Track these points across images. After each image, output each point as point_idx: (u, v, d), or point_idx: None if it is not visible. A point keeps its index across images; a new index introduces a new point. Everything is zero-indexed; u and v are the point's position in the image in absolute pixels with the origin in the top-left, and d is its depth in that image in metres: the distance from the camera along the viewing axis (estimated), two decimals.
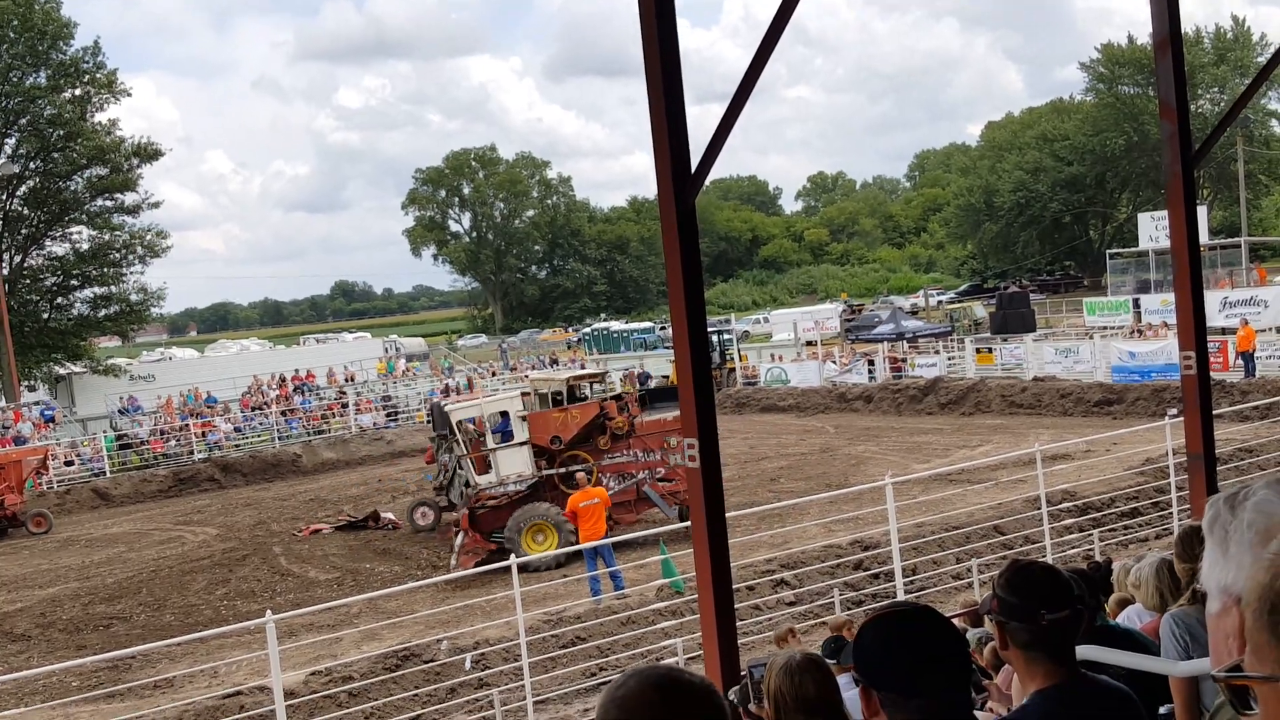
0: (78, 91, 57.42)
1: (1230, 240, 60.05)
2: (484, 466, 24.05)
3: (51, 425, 47.56)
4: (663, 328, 74.20)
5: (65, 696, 16.86)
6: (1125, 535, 18.77)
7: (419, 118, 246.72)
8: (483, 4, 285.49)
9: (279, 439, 45.71)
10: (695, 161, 7.68)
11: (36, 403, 52.43)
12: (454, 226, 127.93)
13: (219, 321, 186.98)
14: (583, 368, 52.05)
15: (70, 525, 35.34)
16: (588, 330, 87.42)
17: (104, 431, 46.21)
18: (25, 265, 58.84)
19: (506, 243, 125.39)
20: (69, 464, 42.36)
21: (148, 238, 59.87)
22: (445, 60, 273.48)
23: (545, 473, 23.99)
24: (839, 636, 7.41)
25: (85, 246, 59.40)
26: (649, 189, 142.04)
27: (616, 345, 73.44)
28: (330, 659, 16.43)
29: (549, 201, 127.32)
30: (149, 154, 59.02)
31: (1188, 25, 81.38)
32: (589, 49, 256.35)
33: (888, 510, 16.13)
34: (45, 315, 58.94)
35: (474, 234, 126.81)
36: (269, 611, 12.96)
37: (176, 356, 79.65)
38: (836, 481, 27.49)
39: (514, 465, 23.84)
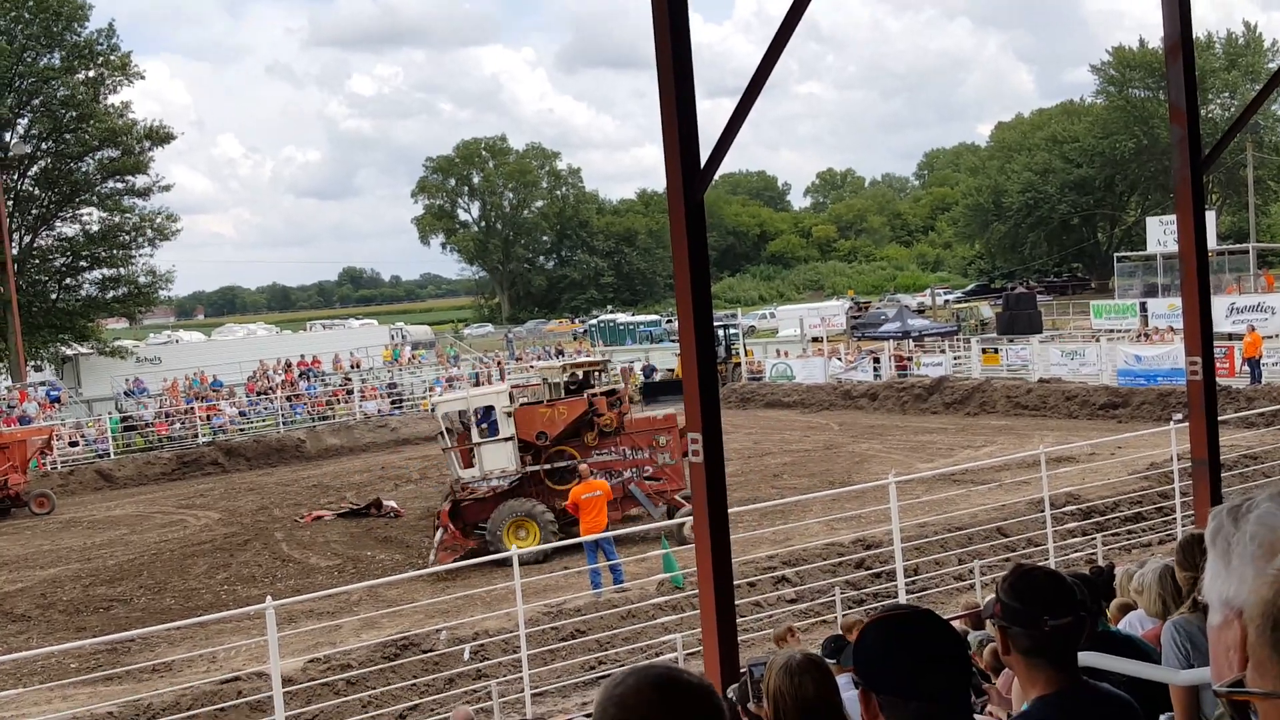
0: (91, 73, 57.54)
1: (1238, 246, 59.98)
2: (469, 460, 23.96)
3: (57, 406, 47.66)
4: (669, 321, 74.24)
5: (64, 678, 16.88)
6: (1128, 540, 18.73)
7: (431, 106, 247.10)
8: None
9: (283, 424, 45.75)
10: (705, 156, 7.67)
11: (42, 383, 52.59)
12: (463, 215, 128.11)
13: (226, 305, 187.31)
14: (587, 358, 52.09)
15: (73, 506, 35.38)
16: (594, 322, 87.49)
17: (109, 413, 46.27)
18: (35, 245, 58.96)
19: (515, 233, 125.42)
20: (73, 445, 42.41)
21: (158, 220, 60.00)
22: (458, 49, 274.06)
23: (530, 469, 23.80)
24: (839, 636, 7.40)
25: (95, 228, 59.51)
26: (658, 182, 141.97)
27: (622, 337, 73.50)
28: (329, 646, 16.45)
29: (558, 192, 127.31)
30: (161, 137, 59.13)
31: (1199, 30, 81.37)
32: (601, 41, 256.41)
33: (891, 509, 16.10)
34: (53, 296, 59.01)
35: (483, 223, 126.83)
36: (269, 597, 12.96)
37: (183, 339, 79.83)
38: (840, 479, 27.46)
39: (498, 460, 23.70)
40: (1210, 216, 53.49)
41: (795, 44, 8.05)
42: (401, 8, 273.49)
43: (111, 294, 60.17)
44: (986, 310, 62.08)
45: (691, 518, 20.81)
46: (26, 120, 57.46)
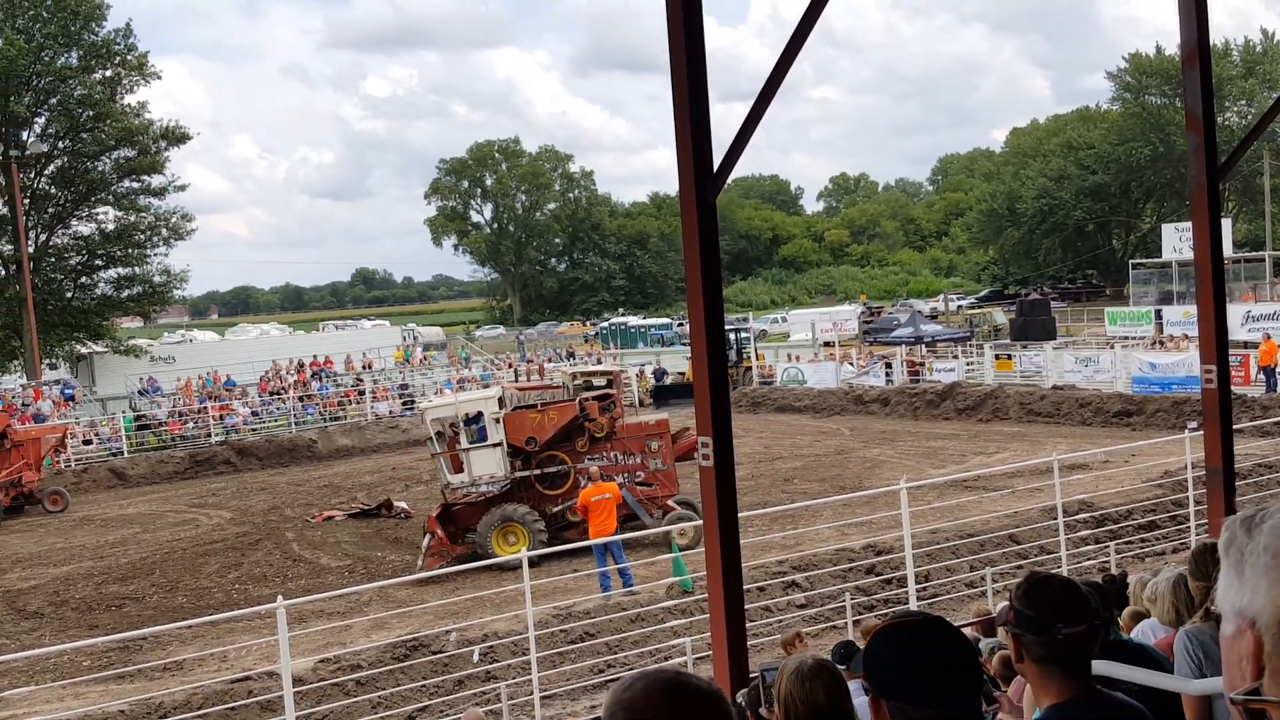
0: (108, 73, 57.85)
1: (1254, 254, 59.81)
2: (459, 466, 23.91)
3: (71, 404, 47.84)
4: (680, 324, 74.20)
5: (76, 676, 16.93)
6: (1142, 548, 18.66)
7: (444, 108, 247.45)
8: None
9: (295, 424, 45.85)
10: (718, 159, 7.66)
11: (57, 381, 52.80)
12: (475, 217, 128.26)
13: (240, 305, 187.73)
14: (599, 362, 52.11)
15: (86, 504, 35.50)
16: (605, 324, 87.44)
17: (123, 412, 46.44)
18: (51, 244, 59.20)
19: (527, 235, 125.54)
20: (87, 443, 42.57)
21: (173, 220, 60.30)
22: (472, 52, 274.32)
23: (518, 474, 23.71)
24: (849, 642, 7.38)
25: (111, 227, 59.81)
26: (670, 185, 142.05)
27: (634, 340, 73.47)
28: (339, 646, 16.46)
29: (570, 195, 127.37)
30: (177, 137, 59.39)
31: (1216, 37, 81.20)
32: (615, 44, 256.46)
33: (902, 515, 16.06)
34: (69, 294, 59.32)
35: (495, 225, 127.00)
36: (280, 597, 12.97)
37: (197, 339, 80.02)
38: (851, 484, 27.43)
39: (487, 466, 23.63)
40: (1226, 224, 53.34)
41: (809, 48, 8.04)
42: (416, 10, 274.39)
43: (126, 293, 60.45)
44: (1000, 316, 61.94)
45: (680, 524, 20.96)
46: (44, 119, 57.78)
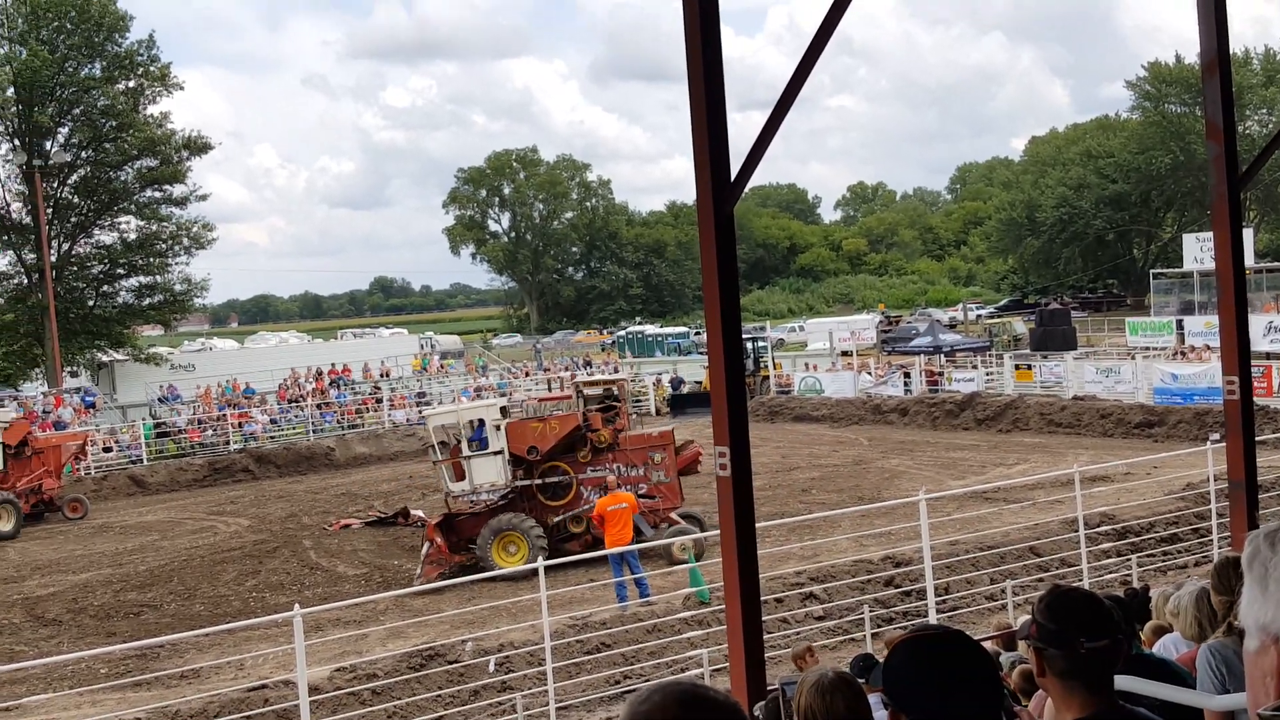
0: (131, 83, 58.20)
1: (1276, 264, 59.50)
2: (462, 473, 23.90)
3: (92, 411, 48.07)
4: (697, 333, 74.16)
5: (94, 683, 16.97)
6: (1164, 561, 18.54)
7: (463, 118, 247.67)
8: (529, 7, 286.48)
9: (313, 432, 45.94)
10: (735, 169, 7.64)
11: (78, 389, 53.01)
12: (493, 226, 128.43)
13: (260, 313, 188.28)
14: (615, 370, 52.15)
15: (106, 511, 35.61)
16: (622, 333, 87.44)
17: (143, 419, 46.63)
18: (73, 253, 59.52)
19: (544, 243, 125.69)
20: (107, 450, 42.76)
21: (194, 229, 60.63)
22: (491, 62, 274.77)
23: (519, 483, 23.65)
24: (869, 655, 7.33)
25: (133, 236, 60.13)
26: (688, 194, 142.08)
27: (651, 349, 73.45)
28: (355, 656, 16.45)
29: (588, 204, 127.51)
30: (198, 147, 59.66)
31: (1236, 46, 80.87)
32: (633, 54, 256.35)
33: (921, 527, 15.99)
34: (90, 303, 59.64)
35: (513, 234, 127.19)
36: (297, 605, 12.97)
37: (217, 347, 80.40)
38: (869, 495, 27.33)
39: (487, 474, 23.62)
40: (1248, 234, 53.02)
41: (827, 57, 8.00)
42: (436, 21, 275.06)
43: (147, 301, 60.78)
44: (1019, 326, 61.79)
45: (680, 539, 20.92)
46: (67, 129, 58.15)
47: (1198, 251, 52.49)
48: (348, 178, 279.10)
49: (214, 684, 16.18)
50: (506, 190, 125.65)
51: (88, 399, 50.15)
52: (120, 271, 60.34)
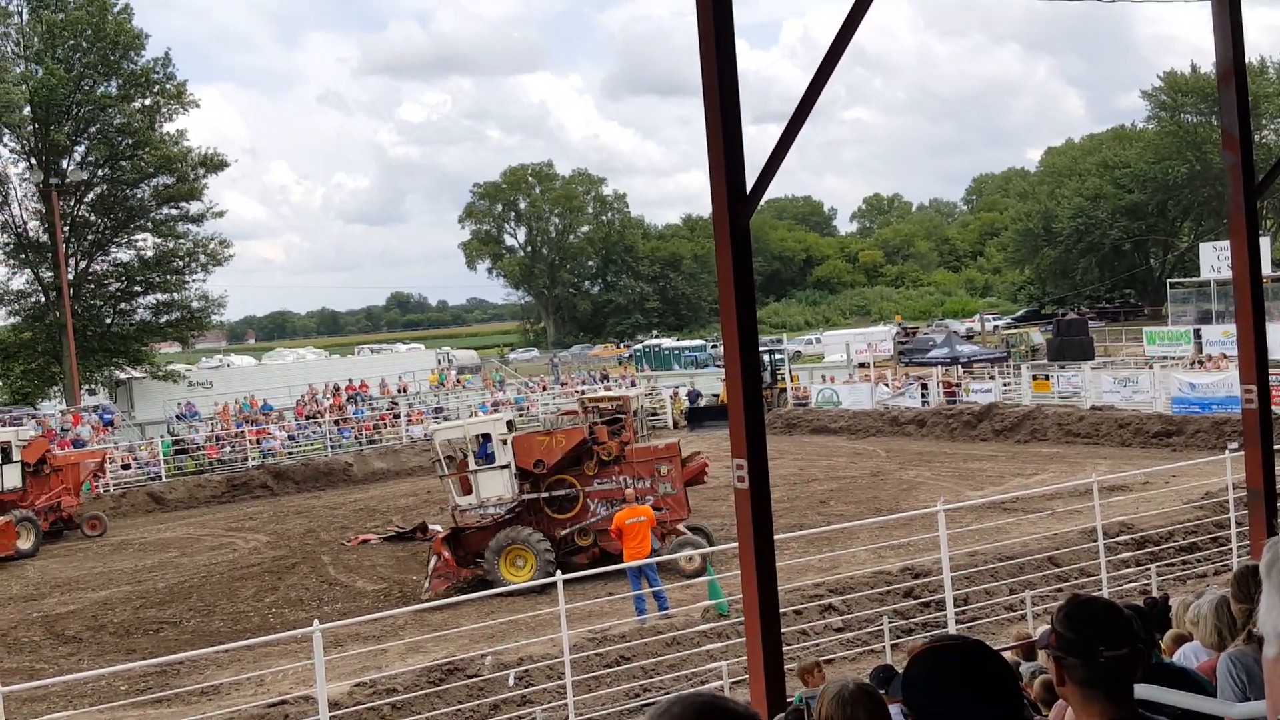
0: (147, 101, 58.47)
1: None
2: (469, 487, 23.94)
3: (110, 429, 48.19)
4: (714, 346, 74.15)
5: (114, 700, 17.01)
6: (1183, 570, 18.47)
7: (478, 133, 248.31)
8: (544, 22, 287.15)
9: (331, 448, 46.04)
10: (751, 181, 7.65)
11: (96, 406, 53.19)
12: (509, 241, 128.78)
13: (277, 330, 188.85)
14: (633, 384, 52.17)
15: (125, 528, 35.69)
16: (639, 346, 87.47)
17: (161, 436, 46.78)
18: (90, 270, 59.73)
19: (560, 258, 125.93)
20: (126, 467, 42.87)
21: (211, 246, 60.77)
22: (506, 77, 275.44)
23: (526, 497, 23.66)
24: (888, 666, 7.33)
25: (149, 253, 60.32)
26: (704, 207, 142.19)
27: (668, 362, 73.43)
28: (375, 671, 16.46)
29: (604, 218, 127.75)
30: (215, 164, 59.84)
31: (1252, 55, 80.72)
32: (647, 68, 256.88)
33: (940, 537, 15.96)
34: (108, 320, 59.86)
35: (529, 248, 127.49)
36: (316, 621, 13.00)
37: (234, 364, 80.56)
38: (887, 506, 27.28)
39: (494, 488, 23.66)
40: (1265, 242, 52.93)
41: (842, 69, 8.02)
42: (451, 36, 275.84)
43: (165, 318, 60.95)
44: (1037, 336, 61.62)
45: (685, 552, 20.90)
46: (84, 147, 58.39)
47: (1215, 260, 52.40)
48: (363, 193, 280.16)
49: (234, 700, 16.21)
50: (522, 205, 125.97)
51: (106, 417, 50.30)
52: (137, 289, 60.55)
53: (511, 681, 15.13)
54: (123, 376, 59.74)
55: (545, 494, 23.72)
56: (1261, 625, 3.25)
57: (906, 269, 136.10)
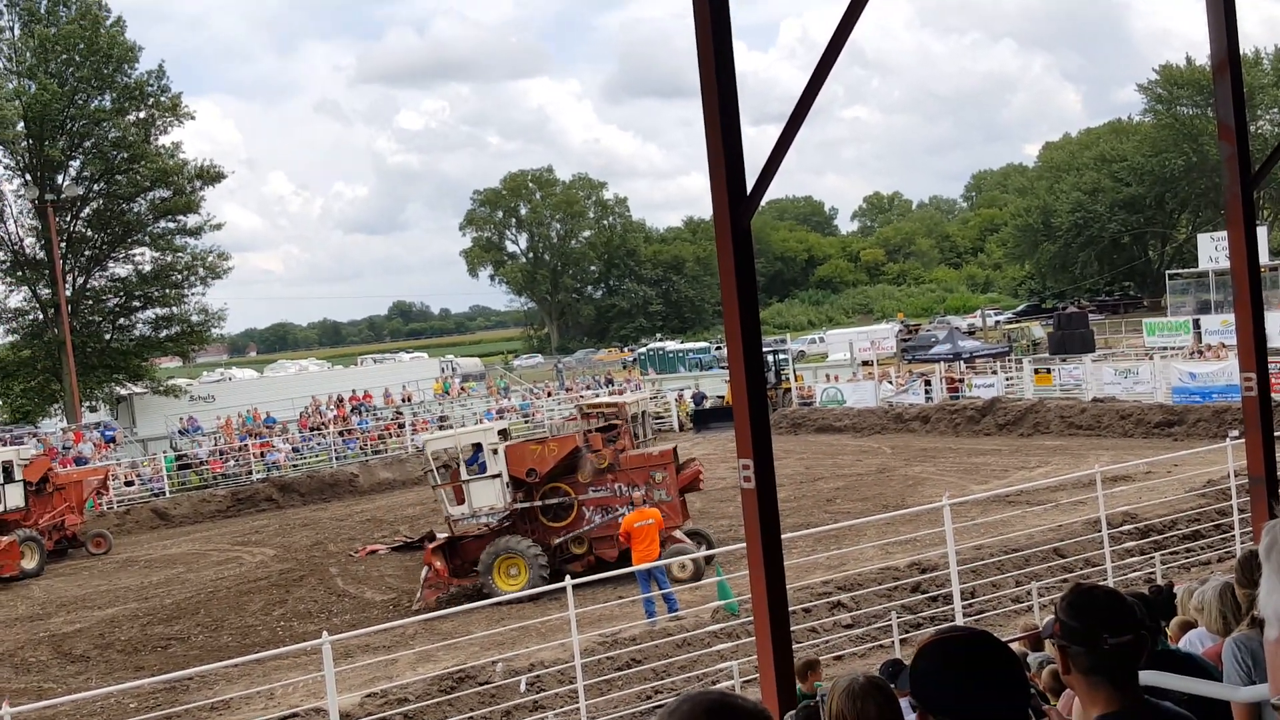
0: (142, 114, 58.27)
1: None
2: (462, 497, 23.99)
3: (112, 445, 48.14)
4: (718, 348, 74.17)
5: (123, 718, 17.03)
6: (1187, 558, 18.51)
7: (478, 139, 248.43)
8: (542, 27, 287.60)
9: (336, 459, 46.03)
10: (751, 182, 7.67)
11: (97, 424, 53.16)
12: (511, 247, 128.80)
13: (278, 342, 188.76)
14: (638, 388, 52.15)
15: (130, 545, 35.68)
16: (643, 350, 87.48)
17: (164, 452, 46.71)
18: (88, 286, 59.65)
19: (563, 263, 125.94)
20: (129, 484, 42.83)
21: (209, 259, 60.59)
22: (505, 82, 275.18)
23: (519, 505, 23.68)
24: (897, 660, 7.35)
25: (147, 268, 60.13)
26: (705, 209, 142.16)
27: (672, 365, 73.46)
28: (386, 680, 16.49)
29: (605, 222, 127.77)
30: (211, 176, 59.70)
31: (1247, 46, 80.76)
32: (646, 71, 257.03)
33: (946, 532, 15.99)
34: (107, 336, 59.71)
35: (530, 254, 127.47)
36: (325, 633, 13.02)
37: (236, 377, 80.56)
38: (893, 503, 27.31)
39: (486, 498, 23.70)
40: (1262, 232, 52.95)
41: (840, 69, 8.03)
42: (448, 42, 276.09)
43: (165, 333, 60.79)
44: (1038, 330, 61.59)
45: (678, 559, 20.91)
46: (79, 162, 58.24)
47: (1212, 251, 52.49)
48: (363, 202, 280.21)
49: (245, 715, 16.24)
50: (523, 211, 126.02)
51: (108, 433, 50.26)
52: (136, 304, 60.40)
53: (523, 688, 15.16)
54: (123, 393, 59.65)
55: (539, 503, 23.76)
56: (1262, 608, 3.29)
57: (908, 267, 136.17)
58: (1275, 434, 11.00)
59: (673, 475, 23.77)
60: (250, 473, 44.25)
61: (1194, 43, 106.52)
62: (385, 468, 44.28)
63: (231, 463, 45.15)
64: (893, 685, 4.37)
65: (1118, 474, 24.18)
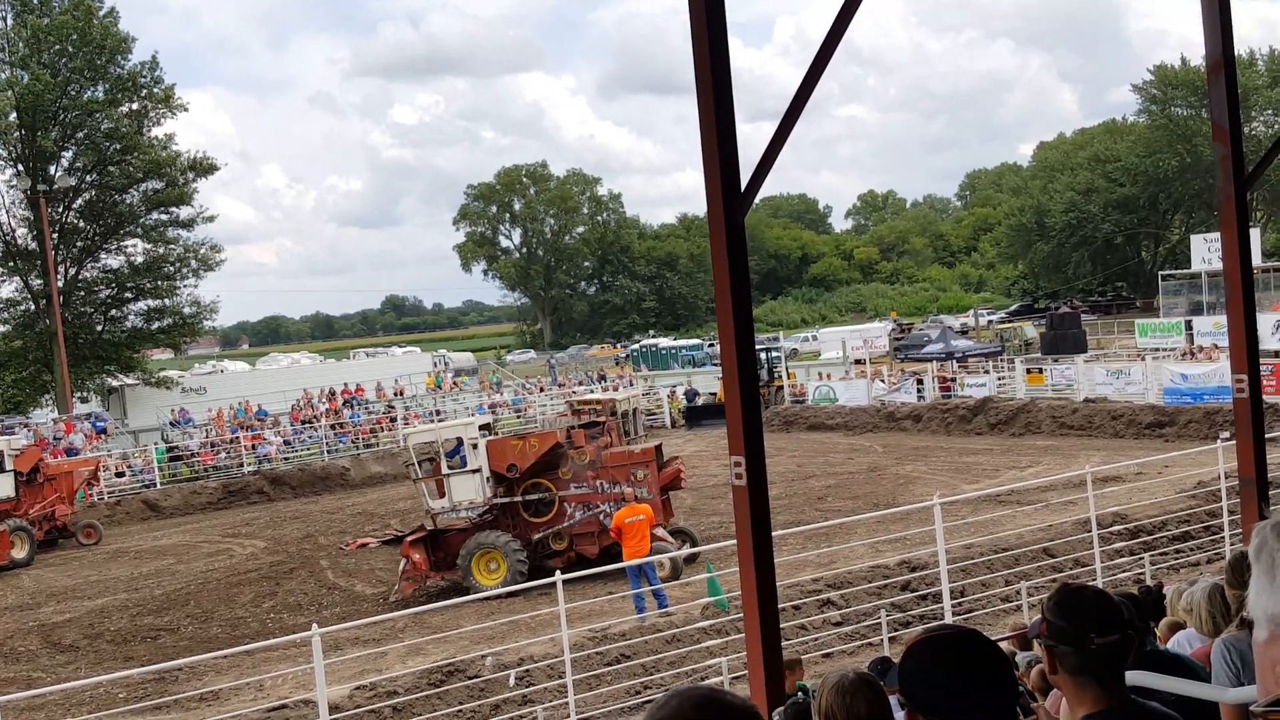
0: (134, 106, 58.07)
1: None
2: (443, 491, 24.04)
3: (103, 437, 48.08)
4: (711, 344, 74.15)
5: (112, 708, 17.00)
6: (1177, 559, 18.54)
7: (472, 134, 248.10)
8: (538, 22, 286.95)
9: (328, 452, 46.01)
10: (745, 179, 7.67)
11: (89, 414, 53.07)
12: (504, 242, 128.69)
13: (270, 335, 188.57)
14: (630, 384, 52.18)
15: (120, 536, 35.66)
16: (636, 346, 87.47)
17: (155, 443, 46.66)
18: (80, 278, 59.48)
19: (556, 259, 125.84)
20: (120, 475, 42.79)
21: (201, 251, 60.41)
22: (500, 77, 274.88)
23: (498, 500, 23.74)
24: (885, 659, 7.36)
25: (140, 259, 59.97)
26: (699, 206, 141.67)
27: (665, 362, 73.45)
28: (375, 673, 16.47)
29: (599, 218, 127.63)
30: (204, 168, 59.58)
31: (1241, 47, 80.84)
32: (642, 67, 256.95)
33: (936, 531, 16.01)
34: (99, 327, 59.59)
35: (524, 250, 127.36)
36: (315, 625, 13.01)
37: (228, 369, 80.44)
38: (884, 501, 27.34)
39: (466, 492, 23.76)
40: (1255, 234, 53.07)
41: (835, 67, 8.04)
42: (443, 37, 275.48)
43: (156, 325, 60.65)
44: (1030, 330, 61.71)
45: (657, 557, 20.92)
46: (71, 153, 58.06)
47: (1205, 252, 52.50)
48: (356, 196, 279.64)
49: (234, 705, 16.22)
50: (517, 206, 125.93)
51: (99, 424, 50.20)
52: (128, 295, 60.25)
53: (512, 682, 15.16)
54: (115, 384, 59.53)
55: (520, 498, 23.79)
56: (1251, 609, 3.29)
57: (901, 265, 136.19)
58: (1266, 436, 11.03)
59: (654, 473, 23.78)
60: (241, 465, 44.22)
61: (1189, 43, 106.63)
62: (376, 461, 44.28)
63: (223, 455, 45.11)
64: (881, 683, 4.38)
65: (1108, 474, 24.22)
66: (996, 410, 39.54)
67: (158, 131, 59.17)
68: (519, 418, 50.91)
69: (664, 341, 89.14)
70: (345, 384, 55.73)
